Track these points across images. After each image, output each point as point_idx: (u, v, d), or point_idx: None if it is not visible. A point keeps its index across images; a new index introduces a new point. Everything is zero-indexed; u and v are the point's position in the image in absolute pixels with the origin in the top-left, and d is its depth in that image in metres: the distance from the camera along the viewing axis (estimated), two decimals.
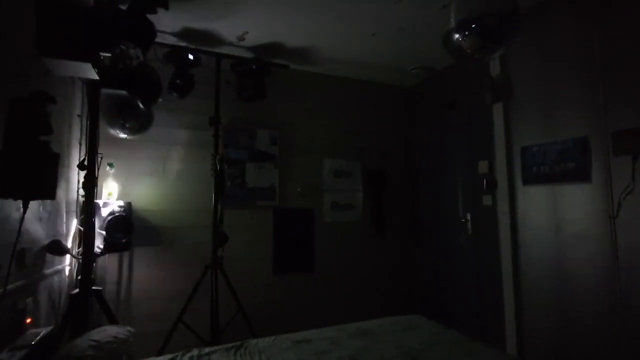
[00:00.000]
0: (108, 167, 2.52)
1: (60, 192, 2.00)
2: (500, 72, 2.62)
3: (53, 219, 1.98)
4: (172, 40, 2.68)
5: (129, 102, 2.17)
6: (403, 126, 3.79)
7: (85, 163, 1.94)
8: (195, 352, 1.69)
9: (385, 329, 1.99)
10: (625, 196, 1.86)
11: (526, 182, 2.42)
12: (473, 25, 1.66)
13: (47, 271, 1.93)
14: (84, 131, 2.29)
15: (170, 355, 1.67)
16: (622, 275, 1.87)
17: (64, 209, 2.14)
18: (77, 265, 2.24)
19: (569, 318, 2.14)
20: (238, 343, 1.80)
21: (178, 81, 2.62)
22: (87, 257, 1.91)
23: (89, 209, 1.93)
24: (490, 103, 2.67)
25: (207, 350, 1.73)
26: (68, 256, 2.17)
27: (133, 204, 2.58)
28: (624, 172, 1.86)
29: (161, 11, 1.91)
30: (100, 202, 2.36)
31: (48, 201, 1.82)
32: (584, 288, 2.05)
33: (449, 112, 3.24)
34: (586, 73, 2.09)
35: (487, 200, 2.78)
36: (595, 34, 2.04)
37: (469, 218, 2.97)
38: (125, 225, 2.34)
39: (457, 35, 1.72)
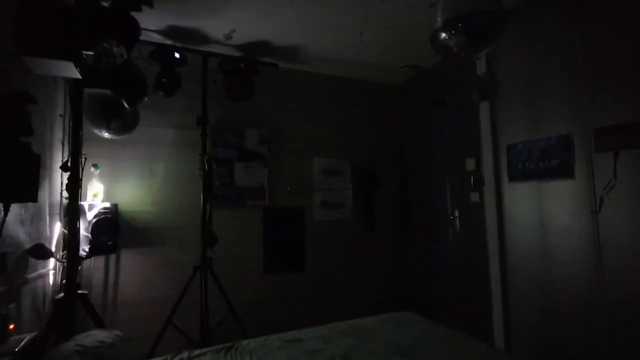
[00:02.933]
0: (93, 168, 2.46)
1: (42, 194, 1.95)
2: (487, 71, 2.66)
3: (36, 222, 1.93)
4: (157, 38, 2.63)
5: (114, 101, 2.12)
6: (392, 124, 3.81)
7: (69, 164, 1.89)
8: (185, 354, 1.68)
9: (376, 326, 2.00)
10: (607, 192, 1.91)
11: (512, 179, 2.47)
12: (460, 24, 1.68)
13: (31, 275, 1.87)
14: (67, 132, 2.23)
15: (159, 358, 1.65)
16: (604, 268, 1.92)
17: (47, 212, 2.09)
18: (61, 268, 2.19)
19: (554, 311, 2.19)
20: (228, 344, 1.79)
21: (164, 80, 2.57)
22: (71, 260, 1.87)
23: (73, 211, 1.89)
24: (477, 101, 2.71)
25: (197, 352, 1.71)
26: (52, 260, 2.11)
27: (119, 205, 2.53)
28: (606, 168, 1.91)
29: (146, 9, 1.87)
30: (85, 204, 2.31)
31: (30, 204, 1.77)
32: (568, 282, 2.11)
33: (438, 110, 3.27)
34: (570, 71, 2.13)
35: (474, 197, 2.82)
36: (578, 32, 2.08)
37: (457, 215, 3.01)
38: (111, 227, 2.30)
39: (444, 34, 1.74)
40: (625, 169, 1.84)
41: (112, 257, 2.59)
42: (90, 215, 2.28)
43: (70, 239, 1.88)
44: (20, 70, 1.58)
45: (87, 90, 1.96)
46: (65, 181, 1.93)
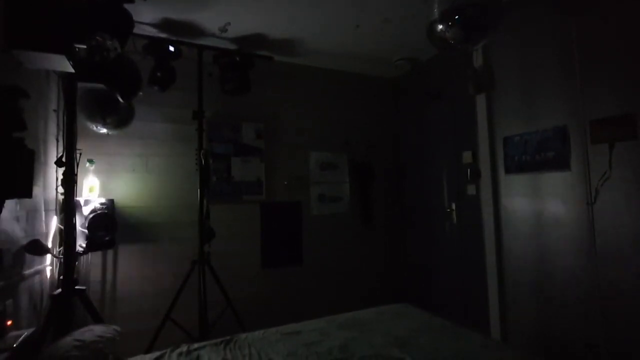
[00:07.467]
0: (88, 164, 2.44)
1: (37, 190, 1.94)
2: (483, 64, 2.65)
3: (31, 218, 1.92)
4: (151, 31, 2.60)
5: (109, 96, 2.10)
6: (388, 117, 3.81)
7: (63, 159, 1.88)
8: (184, 348, 1.68)
9: (373, 318, 2.02)
10: (602, 183, 1.93)
11: (508, 171, 2.48)
12: (456, 16, 1.67)
13: (27, 272, 1.87)
14: (61, 127, 2.21)
15: (158, 353, 1.65)
16: (599, 258, 1.94)
17: (43, 208, 2.07)
18: (59, 264, 2.18)
19: (549, 302, 2.21)
20: (227, 338, 1.80)
21: (159, 74, 2.55)
22: (68, 256, 1.86)
23: (68, 206, 1.88)
24: (474, 94, 2.70)
25: (196, 345, 1.72)
26: (49, 256, 2.11)
27: (116, 200, 2.52)
28: (601, 159, 1.92)
29: (139, 1, 1.85)
30: (81, 199, 2.29)
31: (25, 200, 1.76)
32: (564, 273, 2.13)
33: (434, 103, 3.26)
34: (565, 63, 2.13)
35: (471, 189, 2.83)
36: (573, 24, 2.08)
37: (453, 208, 3.03)
38: (108, 223, 2.29)
39: (440, 26, 1.73)
40: (620, 161, 1.86)
41: (110, 252, 2.58)
42: (86, 211, 2.27)
43: (67, 235, 1.87)
44: (10, 65, 1.55)
45: (82, 84, 1.94)
46: (61, 177, 1.91)
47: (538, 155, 2.27)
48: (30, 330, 1.60)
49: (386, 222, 3.68)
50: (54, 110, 2.26)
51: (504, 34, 2.39)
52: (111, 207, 2.41)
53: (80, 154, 2.03)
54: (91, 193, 2.45)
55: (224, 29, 2.67)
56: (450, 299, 3.04)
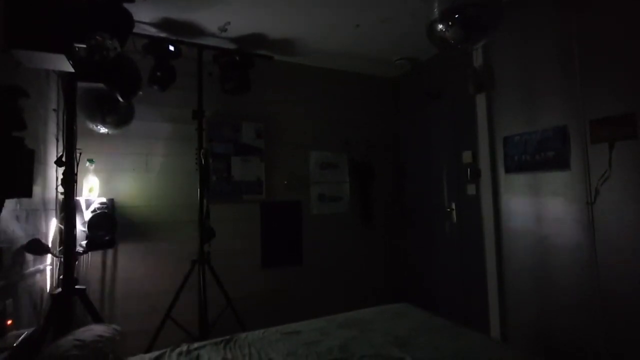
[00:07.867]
0: (88, 163, 2.44)
1: (37, 190, 1.94)
2: (483, 63, 2.65)
3: (32, 218, 1.92)
4: (151, 31, 2.60)
5: (109, 95, 2.10)
6: (388, 117, 3.80)
7: (63, 159, 1.88)
8: (184, 347, 1.68)
9: (373, 317, 2.02)
10: (602, 183, 1.93)
11: (508, 170, 2.48)
12: (456, 15, 1.67)
13: (28, 271, 1.87)
14: (61, 126, 2.21)
15: (158, 352, 1.65)
16: (599, 259, 1.94)
17: (43, 207, 2.08)
18: (59, 264, 2.18)
19: (549, 301, 2.21)
20: (227, 337, 1.80)
21: (158, 73, 2.55)
22: (68, 255, 1.86)
23: (68, 206, 1.88)
24: (474, 94, 2.70)
25: (196, 345, 1.72)
26: (49, 255, 2.11)
27: (116, 200, 2.52)
28: (601, 159, 1.92)
29: (139, 1, 1.85)
30: (81, 199, 2.29)
31: (25, 199, 1.76)
32: (563, 272, 2.13)
33: (434, 102, 3.26)
34: (565, 63, 2.13)
35: (471, 189, 2.83)
36: (574, 24, 2.08)
37: (453, 207, 3.02)
38: (108, 223, 2.29)
39: (440, 26, 1.73)
40: (620, 160, 1.86)
41: (110, 252, 2.58)
42: (86, 211, 2.27)
43: (67, 235, 1.87)
44: (10, 64, 1.55)
45: (81, 84, 1.94)
46: (61, 176, 1.91)
47: (538, 155, 2.27)
48: (31, 329, 1.60)
49: (386, 222, 3.68)
50: (54, 110, 2.26)
51: (505, 33, 2.38)
52: (111, 207, 2.41)
53: (80, 153, 2.03)
54: (91, 193, 2.44)
55: (223, 29, 2.67)
56: (450, 299, 3.04)
